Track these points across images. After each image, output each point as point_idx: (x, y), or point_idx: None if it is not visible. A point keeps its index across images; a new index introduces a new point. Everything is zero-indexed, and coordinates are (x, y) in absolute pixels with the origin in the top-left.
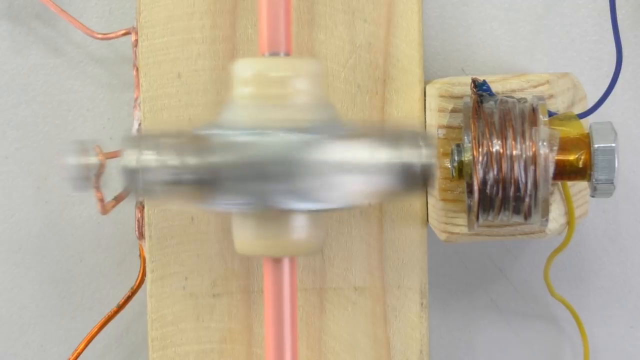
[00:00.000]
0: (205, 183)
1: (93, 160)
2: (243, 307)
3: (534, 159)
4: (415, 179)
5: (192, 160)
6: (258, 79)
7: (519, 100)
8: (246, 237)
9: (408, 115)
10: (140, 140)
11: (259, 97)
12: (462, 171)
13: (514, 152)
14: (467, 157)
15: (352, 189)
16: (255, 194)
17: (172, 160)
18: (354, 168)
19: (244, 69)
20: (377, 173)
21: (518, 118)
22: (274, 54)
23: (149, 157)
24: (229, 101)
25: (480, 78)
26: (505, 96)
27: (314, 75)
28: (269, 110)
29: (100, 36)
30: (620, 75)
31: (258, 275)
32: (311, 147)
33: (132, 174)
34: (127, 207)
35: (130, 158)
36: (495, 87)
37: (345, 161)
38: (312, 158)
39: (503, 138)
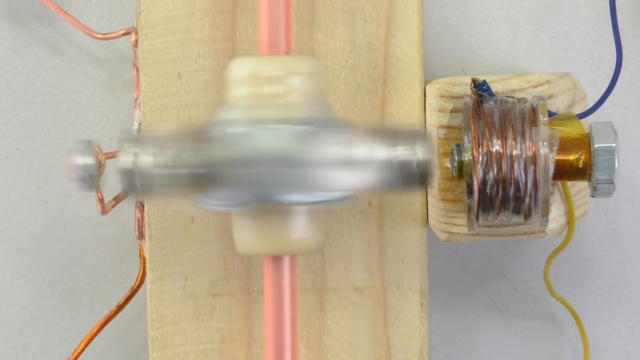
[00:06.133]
0: (203, 178)
1: (94, 160)
2: (243, 307)
3: (534, 159)
4: (412, 177)
5: (189, 156)
6: (255, 78)
7: (519, 100)
8: (246, 236)
9: (408, 115)
10: (138, 137)
11: (257, 96)
12: (462, 171)
13: (514, 152)
14: (467, 157)
15: (349, 185)
16: (253, 188)
17: (170, 156)
18: (350, 164)
19: (241, 68)
20: (375, 170)
21: (518, 118)
22: (274, 54)
23: (147, 154)
24: (226, 101)
25: (480, 78)
26: (505, 96)
27: (311, 73)
28: (266, 109)
29: (100, 36)
30: (620, 75)
31: (258, 275)
32: (309, 142)
33: (129, 172)
34: (127, 207)
35: (128, 155)
36: (495, 87)
37: (342, 158)
38: (310, 153)
39: (503, 138)
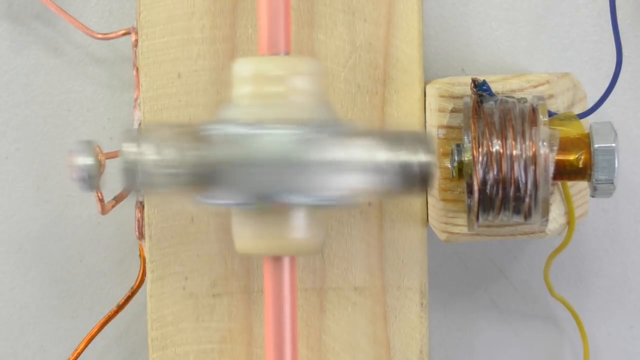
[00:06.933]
0: (204, 177)
1: (94, 160)
2: (243, 307)
3: (534, 159)
4: (414, 180)
5: (191, 155)
6: (257, 78)
7: (519, 100)
8: (246, 236)
9: (408, 115)
10: (140, 135)
11: (258, 96)
12: (462, 171)
13: (514, 152)
14: (467, 157)
15: (350, 186)
16: (254, 189)
17: (171, 154)
18: (352, 166)
19: (243, 68)
20: (376, 172)
21: (518, 118)
22: (274, 54)
23: (149, 151)
24: (228, 100)
25: (480, 78)
26: (505, 96)
27: (313, 74)
28: (268, 109)
29: (100, 36)
30: (620, 75)
31: (258, 275)
32: (310, 143)
33: (131, 168)
34: (127, 207)
35: (130, 151)
36: (495, 87)
37: (343, 159)
38: (311, 153)
39: (503, 138)
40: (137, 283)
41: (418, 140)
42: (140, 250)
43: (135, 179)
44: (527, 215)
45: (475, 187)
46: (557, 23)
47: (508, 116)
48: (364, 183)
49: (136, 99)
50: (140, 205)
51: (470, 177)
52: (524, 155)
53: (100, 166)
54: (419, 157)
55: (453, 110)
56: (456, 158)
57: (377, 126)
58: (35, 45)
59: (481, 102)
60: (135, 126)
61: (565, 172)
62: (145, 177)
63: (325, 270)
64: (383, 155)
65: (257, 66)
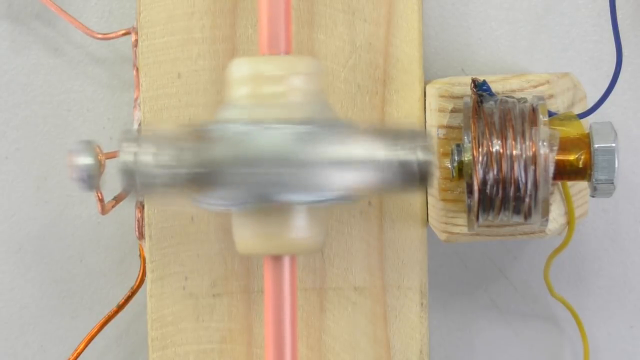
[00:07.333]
0: (203, 178)
1: (94, 160)
2: (243, 307)
3: (534, 159)
4: (412, 177)
5: (189, 155)
6: (255, 78)
7: (519, 100)
8: (247, 236)
9: (408, 115)
10: (138, 136)
11: (256, 96)
12: (462, 171)
13: (514, 152)
14: (467, 157)
15: (349, 184)
16: (253, 188)
17: (170, 155)
18: (351, 164)
19: (242, 68)
20: (375, 170)
21: (518, 118)
22: (274, 54)
23: (147, 153)
24: (226, 101)
25: (480, 78)
26: (505, 96)
27: (313, 74)
28: (266, 109)
29: (100, 36)
30: (620, 75)
31: (258, 275)
32: (309, 142)
33: (129, 171)
34: (127, 207)
35: (128, 154)
36: (495, 87)
37: (343, 157)
38: (310, 152)
39: (503, 138)
40: (137, 283)
41: (417, 137)
42: (140, 250)
43: (135, 180)
44: (527, 215)
45: (475, 187)
46: (557, 23)
47: (508, 116)
48: (363, 181)
49: (136, 99)
50: (140, 205)
51: (470, 177)
52: (524, 155)
53: (100, 166)
54: (417, 155)
55: (453, 110)
56: (456, 158)
57: (376, 124)
58: (35, 45)
59: (481, 102)
60: (135, 126)
61: (565, 172)
62: (144, 177)
63: (325, 270)
64: (382, 153)
65: (257, 66)
